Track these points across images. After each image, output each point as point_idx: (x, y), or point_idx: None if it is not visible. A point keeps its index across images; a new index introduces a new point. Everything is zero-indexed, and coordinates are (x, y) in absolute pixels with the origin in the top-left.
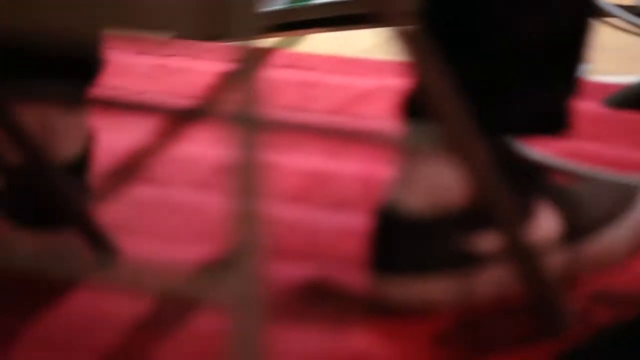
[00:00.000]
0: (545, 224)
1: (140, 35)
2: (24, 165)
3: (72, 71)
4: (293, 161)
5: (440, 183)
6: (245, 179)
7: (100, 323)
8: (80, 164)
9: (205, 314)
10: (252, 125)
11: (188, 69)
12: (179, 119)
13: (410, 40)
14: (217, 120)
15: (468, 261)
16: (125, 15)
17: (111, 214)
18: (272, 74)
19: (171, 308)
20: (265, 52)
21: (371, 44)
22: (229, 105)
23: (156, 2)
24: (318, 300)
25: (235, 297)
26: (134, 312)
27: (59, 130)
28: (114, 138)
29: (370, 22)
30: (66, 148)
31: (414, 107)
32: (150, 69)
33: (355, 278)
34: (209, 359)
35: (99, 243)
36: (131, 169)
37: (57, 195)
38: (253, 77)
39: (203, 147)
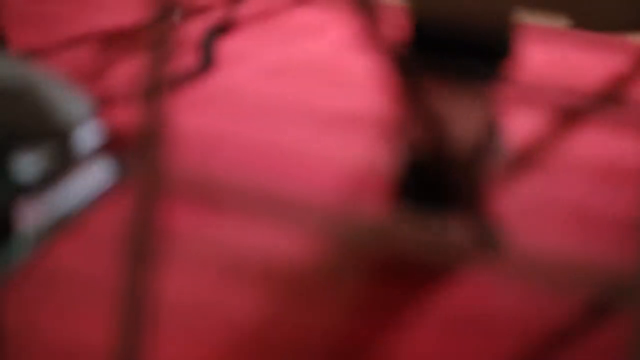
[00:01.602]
0: None
1: (536, 24)
2: (427, 146)
3: (483, 55)
4: None
5: None
6: None
7: (490, 317)
8: (480, 150)
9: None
10: None
11: (583, 61)
12: (574, 112)
13: None
14: (614, 116)
15: None
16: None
17: (502, 203)
18: None
19: (561, 310)
20: None
21: None
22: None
23: None
24: None
25: None
26: (524, 308)
27: (463, 112)
28: (508, 127)
29: None
30: (468, 131)
31: None
32: (545, 59)
33: None
34: None
35: (487, 232)
36: (524, 160)
37: (454, 181)
38: None
39: (597, 144)
